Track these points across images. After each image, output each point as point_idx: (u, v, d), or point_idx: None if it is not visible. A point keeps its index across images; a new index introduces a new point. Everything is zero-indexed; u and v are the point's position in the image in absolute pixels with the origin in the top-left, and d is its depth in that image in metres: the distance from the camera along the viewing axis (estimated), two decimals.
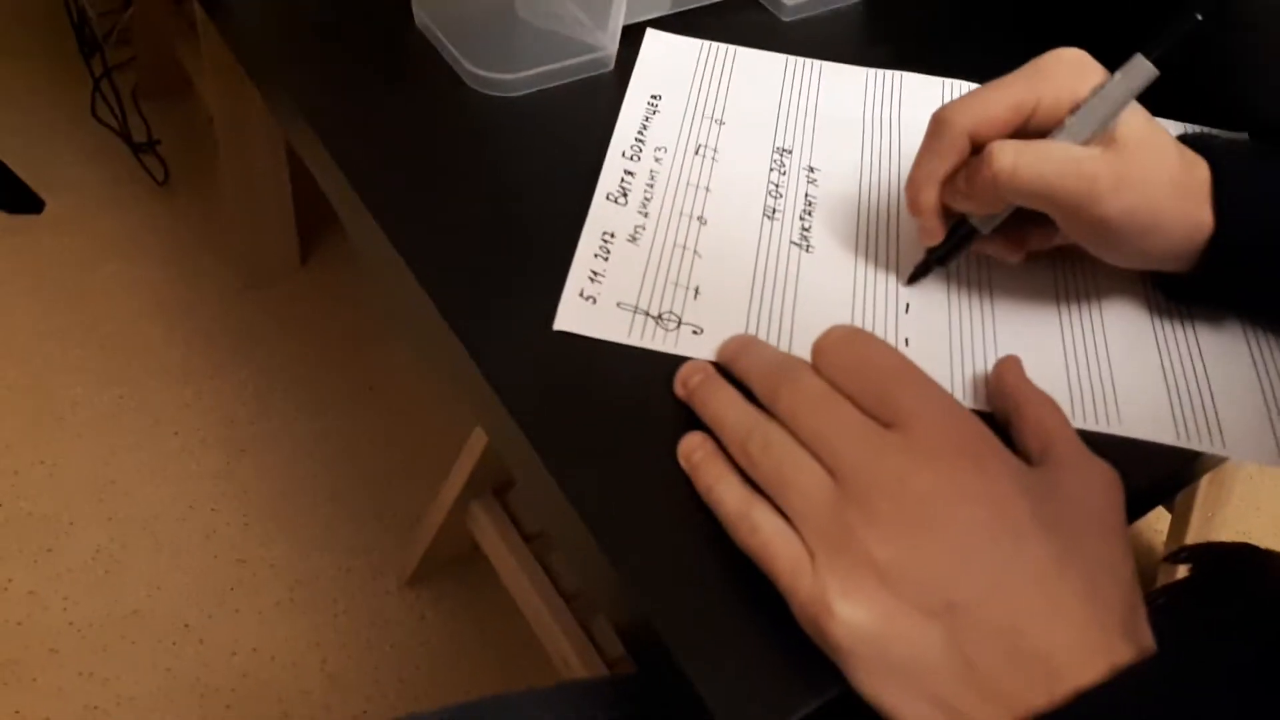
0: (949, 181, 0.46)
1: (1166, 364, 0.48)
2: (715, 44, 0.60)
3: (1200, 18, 0.42)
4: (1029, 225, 0.48)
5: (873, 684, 0.34)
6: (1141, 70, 0.43)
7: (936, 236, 0.48)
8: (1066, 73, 0.44)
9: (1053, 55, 0.45)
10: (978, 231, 0.47)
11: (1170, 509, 1.05)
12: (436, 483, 0.97)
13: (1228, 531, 1.05)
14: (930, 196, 0.46)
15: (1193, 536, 1.01)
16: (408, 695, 1.02)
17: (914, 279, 0.49)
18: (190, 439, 1.18)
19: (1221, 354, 0.48)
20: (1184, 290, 0.49)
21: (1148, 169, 0.43)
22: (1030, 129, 0.45)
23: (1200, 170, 0.45)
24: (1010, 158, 0.43)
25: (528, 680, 1.04)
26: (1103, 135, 0.44)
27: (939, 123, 0.45)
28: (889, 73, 0.60)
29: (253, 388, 1.23)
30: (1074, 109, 0.44)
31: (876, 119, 0.57)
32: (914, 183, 0.47)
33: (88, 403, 1.19)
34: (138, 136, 1.39)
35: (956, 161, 0.45)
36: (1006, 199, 0.45)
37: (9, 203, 1.36)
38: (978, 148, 0.45)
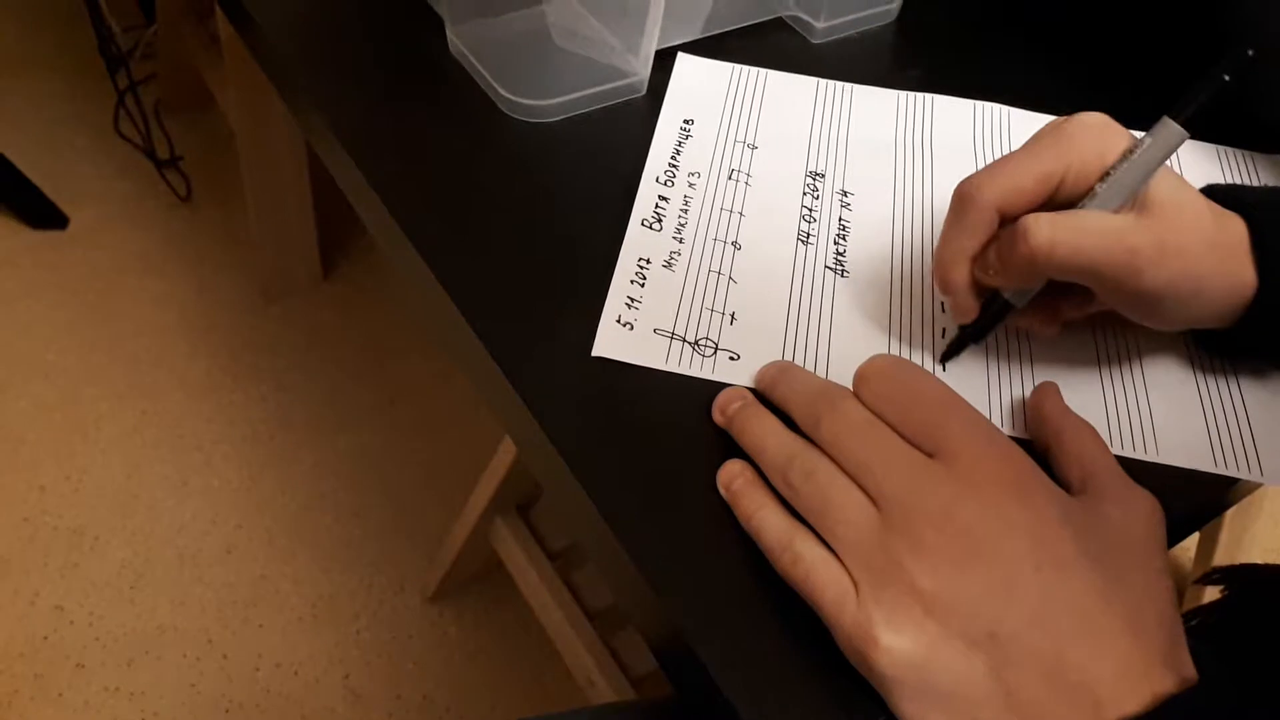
0: (979, 256, 0.44)
1: (1203, 389, 0.48)
2: (747, 67, 0.60)
3: (1228, 78, 0.41)
4: (1062, 296, 0.46)
5: (916, 713, 0.34)
6: (1171, 134, 0.42)
7: (971, 314, 0.46)
8: (1092, 139, 0.43)
9: (1076, 121, 0.43)
10: (1012, 305, 0.45)
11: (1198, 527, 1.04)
12: (460, 498, 0.97)
13: (1257, 550, 1.04)
14: (962, 275, 0.44)
15: (1221, 555, 1.00)
16: (431, 712, 1.03)
17: (948, 357, 0.47)
18: (213, 454, 1.18)
19: (1258, 379, 0.48)
20: (1225, 346, 0.48)
21: (1185, 234, 0.42)
22: (1059, 199, 0.43)
23: (1235, 226, 0.43)
24: (1046, 234, 0.41)
25: (551, 697, 1.04)
26: (1133, 201, 0.43)
27: (965, 199, 0.43)
28: (920, 95, 0.60)
29: (275, 402, 1.24)
30: (1104, 176, 0.42)
31: (909, 142, 0.57)
32: (943, 262, 0.45)
33: (112, 418, 1.20)
34: (160, 152, 1.40)
35: (985, 237, 0.44)
36: (1044, 275, 0.43)
37: (34, 218, 1.37)
38: (1005, 220, 0.43)
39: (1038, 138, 0.44)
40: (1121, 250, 0.41)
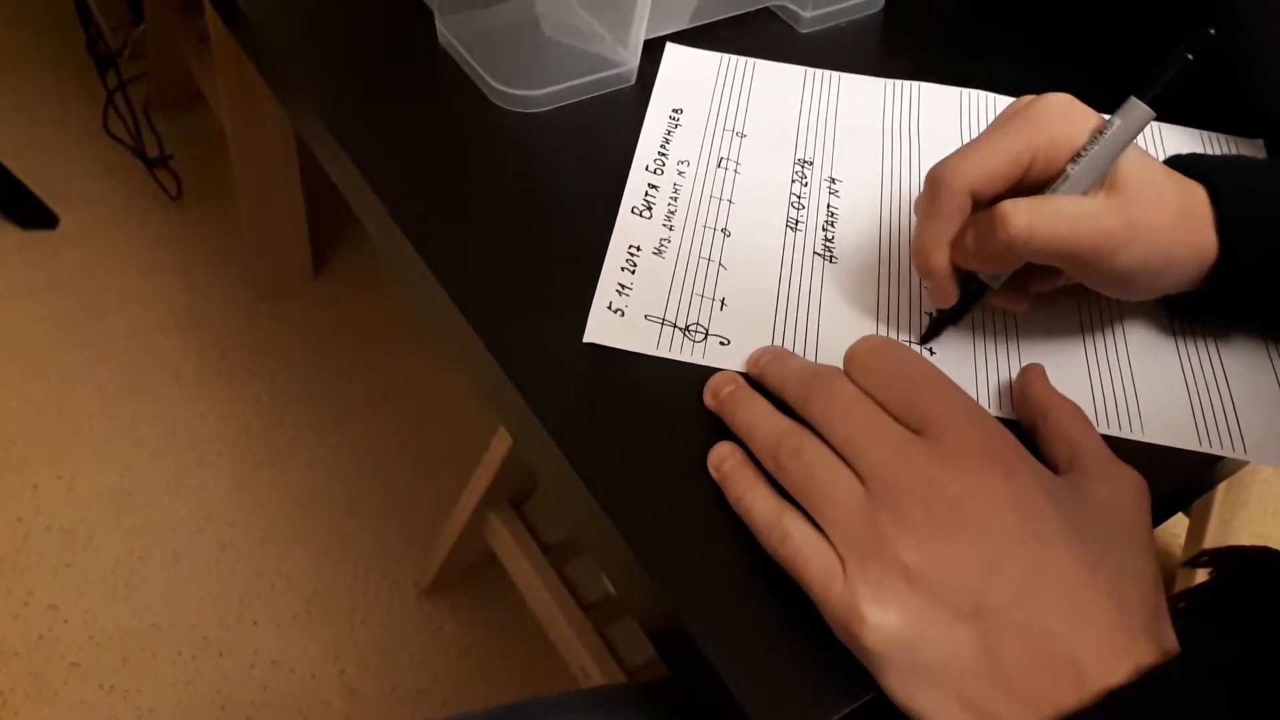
0: (956, 241, 0.45)
1: (1187, 369, 0.48)
2: (735, 57, 0.61)
3: (1191, 57, 0.42)
4: (1032, 273, 0.47)
5: (904, 688, 0.35)
6: (1138, 114, 0.43)
7: (952, 298, 0.46)
8: (1059, 119, 0.44)
9: (1043, 102, 0.44)
10: (989, 287, 0.46)
11: (1188, 513, 1.05)
12: (453, 493, 0.98)
13: (1246, 535, 1.05)
14: (941, 259, 0.45)
15: (1210, 540, 1.01)
16: (426, 705, 1.03)
17: (927, 339, 0.48)
18: (206, 452, 1.18)
19: (1241, 358, 0.49)
20: (1191, 309, 0.49)
21: (1154, 211, 0.43)
22: (1029, 180, 0.44)
23: (1198, 195, 0.45)
24: (1025, 221, 0.42)
25: (546, 689, 1.04)
26: (1103, 180, 0.43)
27: (938, 184, 0.44)
28: (907, 83, 0.60)
29: (268, 400, 1.24)
30: (1074, 157, 0.43)
31: (895, 129, 0.58)
32: (922, 248, 0.45)
33: (104, 416, 1.20)
34: (150, 151, 1.40)
35: (961, 220, 0.44)
36: (1023, 260, 0.44)
37: (24, 218, 1.37)
38: (978, 203, 0.44)
39: (1005, 119, 0.45)
40: (1097, 234, 0.42)
